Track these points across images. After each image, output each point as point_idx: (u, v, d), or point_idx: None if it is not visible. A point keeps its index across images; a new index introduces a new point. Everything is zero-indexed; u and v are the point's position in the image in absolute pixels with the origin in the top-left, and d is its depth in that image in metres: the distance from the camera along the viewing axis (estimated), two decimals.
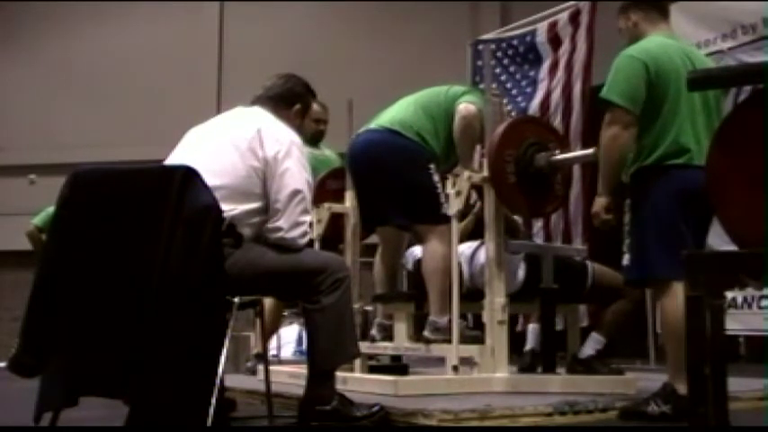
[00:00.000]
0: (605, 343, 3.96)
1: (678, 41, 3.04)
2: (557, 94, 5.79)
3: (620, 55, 2.94)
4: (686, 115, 2.83)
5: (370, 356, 4.04)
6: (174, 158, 2.57)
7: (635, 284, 3.18)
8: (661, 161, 2.83)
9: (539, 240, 5.40)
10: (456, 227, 3.49)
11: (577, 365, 3.78)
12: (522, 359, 4.11)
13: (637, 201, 2.88)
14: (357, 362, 3.51)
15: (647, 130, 2.84)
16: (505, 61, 6.24)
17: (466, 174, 3.48)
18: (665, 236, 2.77)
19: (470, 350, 3.39)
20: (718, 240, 2.68)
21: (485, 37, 6.64)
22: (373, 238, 4.18)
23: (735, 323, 4.72)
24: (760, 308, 4.71)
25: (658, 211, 2.80)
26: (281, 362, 5.27)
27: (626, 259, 2.89)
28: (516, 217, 4.04)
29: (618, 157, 2.86)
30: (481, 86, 4.75)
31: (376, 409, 2.61)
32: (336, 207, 4.21)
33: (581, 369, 3.76)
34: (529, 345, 4.23)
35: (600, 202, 2.95)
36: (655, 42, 2.93)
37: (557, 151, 3.50)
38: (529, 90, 6.05)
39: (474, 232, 3.89)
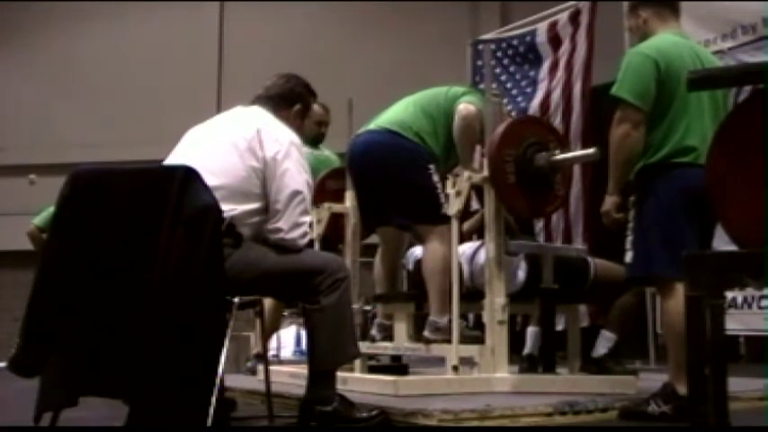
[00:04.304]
0: (616, 339, 3.96)
1: (688, 40, 3.03)
2: (557, 94, 5.80)
3: (631, 52, 2.94)
4: (695, 114, 2.82)
5: (370, 356, 4.04)
6: (173, 158, 2.56)
7: (637, 282, 3.18)
8: (667, 159, 2.82)
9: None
10: (456, 227, 3.49)
11: (591, 365, 3.78)
12: (520, 364, 4.10)
13: (641, 198, 2.87)
14: (357, 362, 3.51)
15: (655, 128, 2.84)
16: (505, 61, 6.24)
17: (466, 174, 3.48)
18: (668, 234, 2.76)
19: (470, 350, 3.39)
20: (719, 240, 2.69)
21: (485, 37, 6.65)
22: (373, 238, 4.18)
23: (735, 323, 4.72)
24: (760, 308, 4.71)
25: (662, 210, 2.80)
26: (281, 362, 5.27)
27: (628, 257, 2.88)
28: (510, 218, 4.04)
29: (628, 156, 2.85)
30: (481, 86, 4.75)
31: (376, 412, 2.60)
32: (336, 207, 4.22)
33: (594, 369, 3.75)
34: (527, 349, 4.23)
35: (610, 201, 2.94)
36: (665, 40, 2.92)
37: (556, 151, 3.50)
38: (529, 90, 6.05)
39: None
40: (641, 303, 4.50)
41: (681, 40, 2.96)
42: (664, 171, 2.82)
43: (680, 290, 2.66)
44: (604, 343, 3.95)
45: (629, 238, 2.88)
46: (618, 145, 2.85)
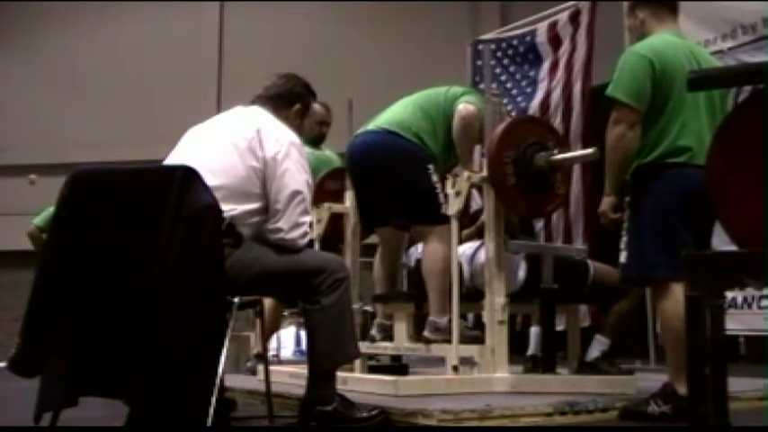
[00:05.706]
0: (610, 344, 3.97)
1: (685, 40, 3.03)
2: (557, 94, 5.80)
3: (626, 52, 2.93)
4: (690, 113, 2.82)
5: (370, 356, 4.04)
6: (173, 158, 2.57)
7: (631, 282, 3.17)
8: (661, 159, 2.82)
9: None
10: (456, 227, 3.49)
11: (585, 369, 3.78)
12: (524, 364, 4.11)
13: (636, 198, 2.87)
14: (357, 362, 3.51)
15: (650, 128, 2.83)
16: (505, 61, 6.24)
17: (466, 174, 3.48)
18: (662, 235, 2.76)
19: (470, 350, 3.39)
20: (718, 240, 2.69)
21: (485, 37, 6.64)
22: (373, 238, 4.18)
23: (735, 323, 4.72)
24: (760, 308, 4.71)
25: (657, 210, 2.79)
26: (281, 362, 5.27)
27: (623, 257, 2.88)
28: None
29: (624, 156, 2.85)
30: (481, 86, 4.75)
31: (376, 412, 2.61)
32: (336, 207, 4.22)
33: (589, 372, 3.76)
34: (531, 350, 4.23)
35: (607, 202, 2.94)
36: (661, 40, 2.92)
37: (555, 151, 3.50)
38: (529, 90, 6.05)
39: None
40: (640, 307, 4.50)
41: (677, 40, 2.95)
42: (658, 171, 2.82)
43: (675, 290, 2.67)
44: (597, 347, 3.97)
45: (624, 239, 2.88)
46: (613, 145, 2.85)
